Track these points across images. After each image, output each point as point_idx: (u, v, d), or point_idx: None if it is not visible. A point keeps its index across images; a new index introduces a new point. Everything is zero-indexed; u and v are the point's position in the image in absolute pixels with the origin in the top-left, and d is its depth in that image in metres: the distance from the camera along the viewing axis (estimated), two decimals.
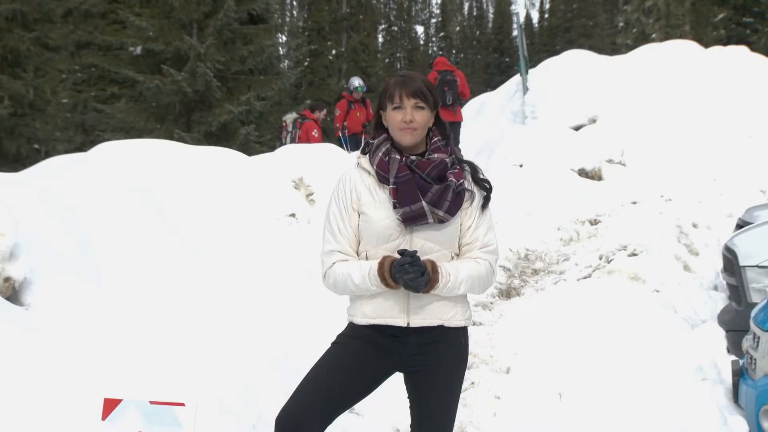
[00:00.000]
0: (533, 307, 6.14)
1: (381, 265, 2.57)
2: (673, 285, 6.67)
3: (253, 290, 5.35)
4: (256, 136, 17.21)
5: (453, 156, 2.71)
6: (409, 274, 2.50)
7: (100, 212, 5.08)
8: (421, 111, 2.65)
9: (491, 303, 6.50)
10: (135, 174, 5.96)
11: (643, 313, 5.75)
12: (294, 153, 8.38)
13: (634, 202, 9.20)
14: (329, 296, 2.84)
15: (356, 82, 12.58)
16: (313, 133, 11.90)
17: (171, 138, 12.63)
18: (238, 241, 5.94)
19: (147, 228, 5.25)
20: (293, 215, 6.97)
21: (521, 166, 10.23)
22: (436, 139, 2.72)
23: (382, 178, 2.65)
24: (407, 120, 2.62)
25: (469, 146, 12.00)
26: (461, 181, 2.67)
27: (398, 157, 2.66)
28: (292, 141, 11.99)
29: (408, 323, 2.66)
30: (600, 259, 7.40)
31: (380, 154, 2.67)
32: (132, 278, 4.61)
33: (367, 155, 2.73)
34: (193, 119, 16.37)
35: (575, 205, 8.87)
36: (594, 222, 8.63)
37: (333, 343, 2.75)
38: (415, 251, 2.54)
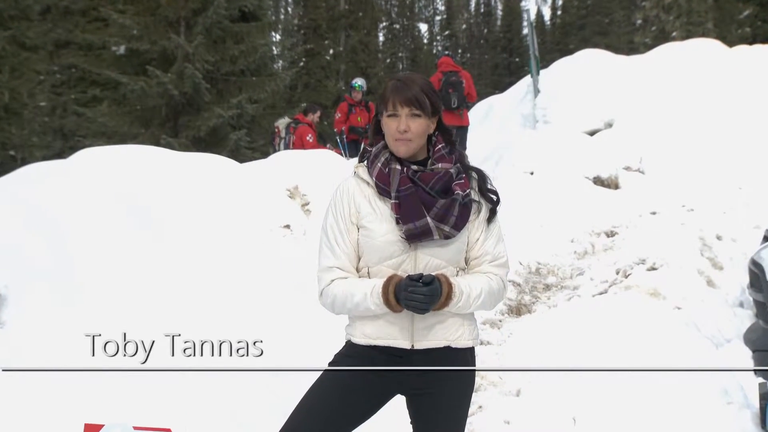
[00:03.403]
0: (545, 325, 6.14)
1: (386, 285, 2.56)
2: (695, 301, 6.66)
3: (245, 306, 5.35)
4: (248, 142, 17.28)
5: (458, 164, 2.69)
6: (416, 302, 2.48)
7: (81, 223, 5.10)
8: (417, 119, 2.62)
9: (500, 321, 6.50)
10: (118, 183, 5.98)
11: (664, 331, 5.75)
12: (288, 160, 8.41)
13: (654, 213, 9.20)
14: (326, 314, 2.85)
15: (357, 81, 12.65)
16: (308, 138, 11.87)
17: (157, 144, 12.71)
18: (229, 254, 5.95)
19: (131, 240, 5.26)
20: (288, 226, 6.99)
21: (532, 173, 10.24)
22: (439, 146, 2.70)
23: (383, 190, 2.65)
24: (401, 129, 2.61)
25: (476, 152, 12.01)
26: (467, 191, 2.66)
27: (399, 167, 2.64)
28: (286, 147, 12.01)
29: (412, 345, 2.66)
30: (617, 273, 7.40)
31: (379, 164, 2.66)
32: (115, 293, 4.62)
33: (365, 163, 2.72)
34: (180, 123, 16.43)
35: (590, 215, 8.87)
36: (610, 234, 8.63)
37: (329, 364, 2.75)
38: (432, 278, 2.52)
